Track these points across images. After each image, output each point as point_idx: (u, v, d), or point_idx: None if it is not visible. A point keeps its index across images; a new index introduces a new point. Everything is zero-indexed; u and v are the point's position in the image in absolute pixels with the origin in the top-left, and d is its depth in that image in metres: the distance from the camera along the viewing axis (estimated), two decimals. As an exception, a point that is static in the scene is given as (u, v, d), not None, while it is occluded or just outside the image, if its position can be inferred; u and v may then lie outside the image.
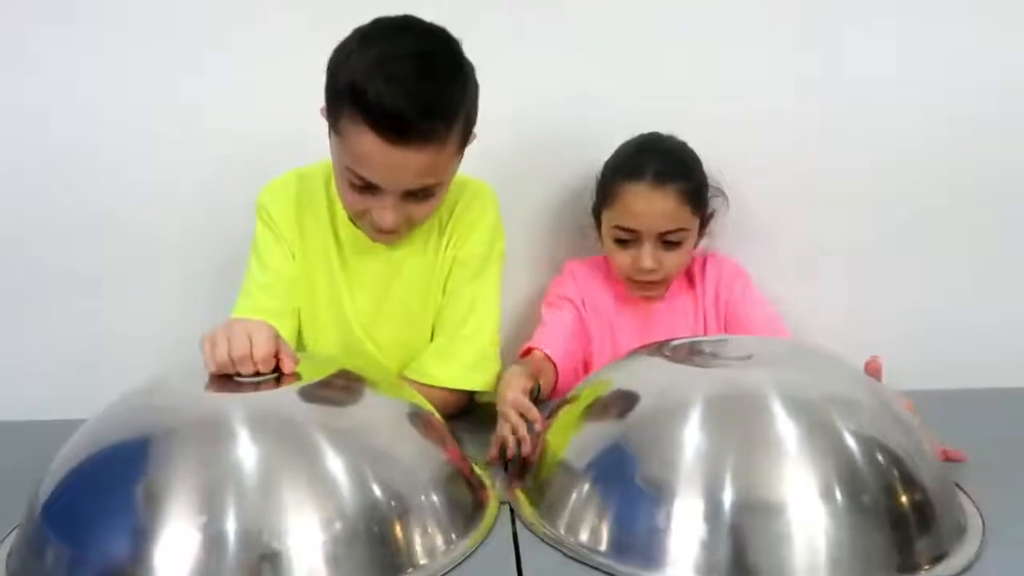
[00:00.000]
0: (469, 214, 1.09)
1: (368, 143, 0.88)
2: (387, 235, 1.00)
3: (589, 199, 1.23)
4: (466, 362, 1.05)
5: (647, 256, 1.13)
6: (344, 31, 0.92)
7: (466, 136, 0.96)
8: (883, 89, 1.27)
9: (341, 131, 0.91)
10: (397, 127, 0.86)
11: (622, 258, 1.16)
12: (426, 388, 1.01)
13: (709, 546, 0.66)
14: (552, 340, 1.14)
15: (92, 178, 1.25)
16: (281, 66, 1.19)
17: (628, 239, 1.15)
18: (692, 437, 0.71)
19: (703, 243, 1.24)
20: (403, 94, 0.86)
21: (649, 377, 0.81)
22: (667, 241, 1.13)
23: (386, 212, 0.94)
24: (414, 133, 0.87)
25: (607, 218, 1.17)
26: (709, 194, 1.19)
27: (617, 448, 0.73)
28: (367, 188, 0.93)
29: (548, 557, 0.70)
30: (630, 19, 1.24)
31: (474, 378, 1.05)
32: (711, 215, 1.21)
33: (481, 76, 0.96)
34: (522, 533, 0.74)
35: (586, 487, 0.73)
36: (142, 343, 1.28)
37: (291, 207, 1.07)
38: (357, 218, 1.01)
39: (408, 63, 0.87)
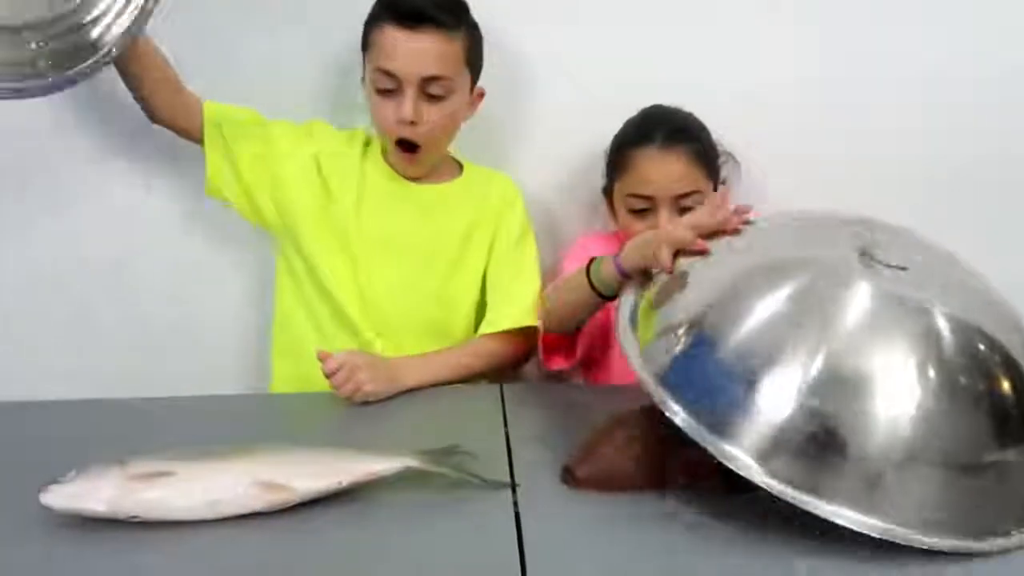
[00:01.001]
0: (504, 193, 1.23)
1: (390, 35, 1.09)
2: (410, 151, 1.14)
3: (599, 177, 1.24)
4: (518, 308, 1.16)
5: (665, 223, 1.11)
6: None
7: (472, 57, 1.14)
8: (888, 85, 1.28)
9: (370, 45, 1.12)
10: (413, 14, 1.08)
11: (639, 229, 1.13)
12: (490, 339, 1.15)
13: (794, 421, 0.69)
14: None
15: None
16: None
17: (643, 207, 1.15)
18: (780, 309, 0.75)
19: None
20: None
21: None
22: (683, 207, 1.13)
23: (405, 102, 1.10)
24: (427, 19, 1.08)
25: (619, 190, 1.18)
26: (720, 160, 1.19)
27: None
28: (390, 92, 1.11)
29: (550, 537, 0.70)
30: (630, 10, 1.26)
31: (525, 317, 1.16)
32: (724, 183, 1.20)
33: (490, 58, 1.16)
34: (525, 514, 0.74)
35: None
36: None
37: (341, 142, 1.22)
38: (386, 130, 1.14)
39: None
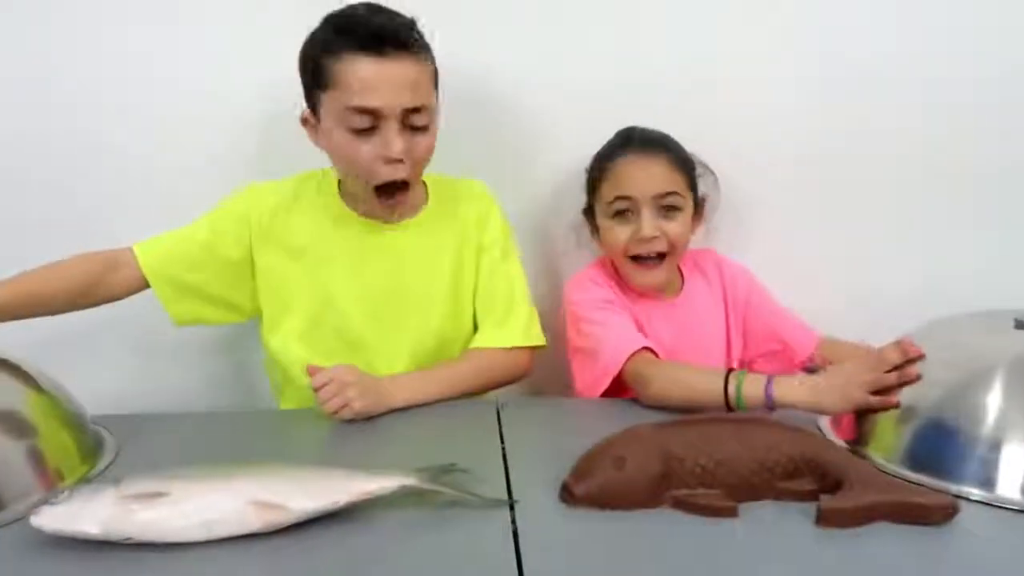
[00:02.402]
0: (478, 203, 1.19)
1: (360, 66, 0.98)
2: (397, 192, 1.07)
3: (578, 195, 1.24)
4: (522, 323, 1.16)
5: (647, 223, 1.13)
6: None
7: (437, 78, 1.07)
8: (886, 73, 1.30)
9: (332, 82, 1.00)
10: (379, 39, 0.98)
11: (621, 232, 1.15)
12: (493, 354, 1.14)
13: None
14: (640, 338, 1.10)
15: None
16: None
17: (625, 208, 1.15)
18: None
19: (703, 236, 1.25)
20: (377, 13, 1.01)
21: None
22: (665, 207, 1.14)
23: (391, 138, 1.01)
24: (396, 43, 0.99)
25: (601, 199, 1.18)
26: (698, 173, 1.20)
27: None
28: (368, 130, 1.01)
29: (549, 554, 0.70)
30: (620, 11, 1.27)
31: (533, 335, 1.17)
32: (703, 200, 1.21)
33: (459, 76, 1.12)
34: (524, 536, 0.74)
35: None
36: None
37: (278, 208, 1.14)
38: (368, 173, 1.05)
39: (366, 6, 1.03)
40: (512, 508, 0.78)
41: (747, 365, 1.27)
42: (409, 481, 0.78)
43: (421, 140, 1.04)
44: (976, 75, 1.30)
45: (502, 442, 0.95)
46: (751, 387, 0.95)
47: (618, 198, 1.15)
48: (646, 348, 1.08)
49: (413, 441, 0.97)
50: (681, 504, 0.77)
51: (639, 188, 1.14)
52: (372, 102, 0.99)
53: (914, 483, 0.80)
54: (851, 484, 0.76)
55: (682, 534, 0.73)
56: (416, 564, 0.69)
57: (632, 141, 1.18)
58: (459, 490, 0.78)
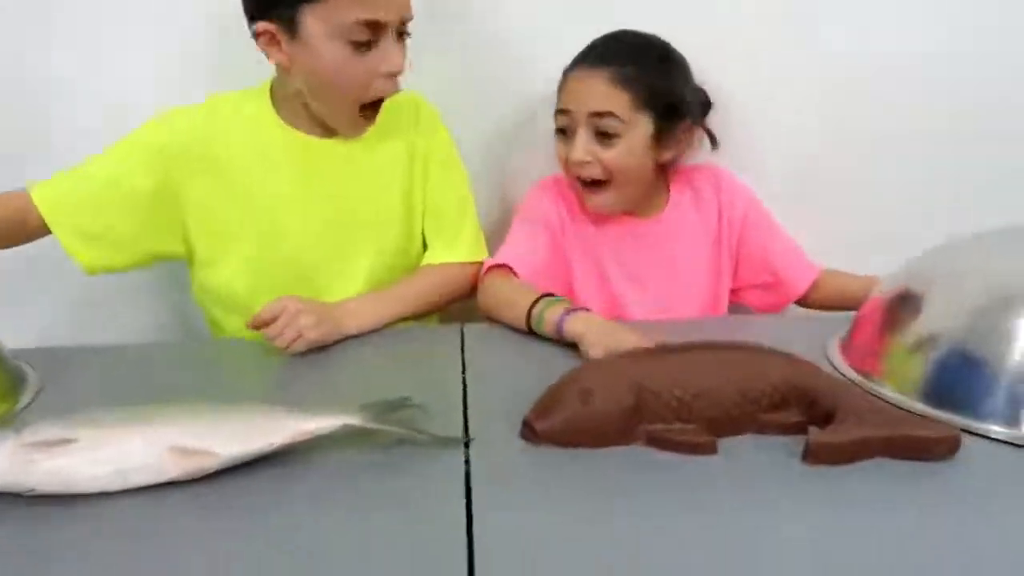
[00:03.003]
0: (420, 114, 1.10)
1: None
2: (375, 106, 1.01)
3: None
4: (472, 236, 1.12)
5: (578, 145, 1.04)
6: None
7: None
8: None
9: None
10: None
11: (560, 152, 1.08)
12: (447, 269, 1.09)
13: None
14: (523, 259, 1.05)
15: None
16: None
17: (564, 125, 1.06)
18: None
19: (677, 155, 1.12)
20: None
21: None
22: (601, 132, 1.03)
23: (393, 52, 0.96)
24: None
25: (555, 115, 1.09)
26: (688, 103, 1.07)
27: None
28: (366, 44, 0.95)
29: (502, 496, 0.63)
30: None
31: (481, 248, 1.12)
32: (686, 127, 1.08)
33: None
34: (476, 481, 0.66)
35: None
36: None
37: (203, 132, 1.02)
38: (361, 88, 0.98)
39: None
40: (467, 446, 0.70)
41: (738, 296, 1.18)
42: (352, 420, 0.70)
43: (404, 56, 0.99)
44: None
45: (464, 371, 0.87)
46: (553, 313, 0.90)
47: (559, 112, 1.06)
48: (506, 267, 1.04)
49: (367, 371, 0.89)
50: (654, 440, 0.69)
51: (575, 103, 1.04)
52: (379, 14, 0.93)
53: (925, 417, 0.73)
54: (843, 416, 0.68)
55: (655, 473, 0.66)
56: (356, 510, 0.62)
57: (593, 50, 1.06)
58: (408, 428, 0.70)
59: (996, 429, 0.72)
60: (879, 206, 1.24)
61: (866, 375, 0.85)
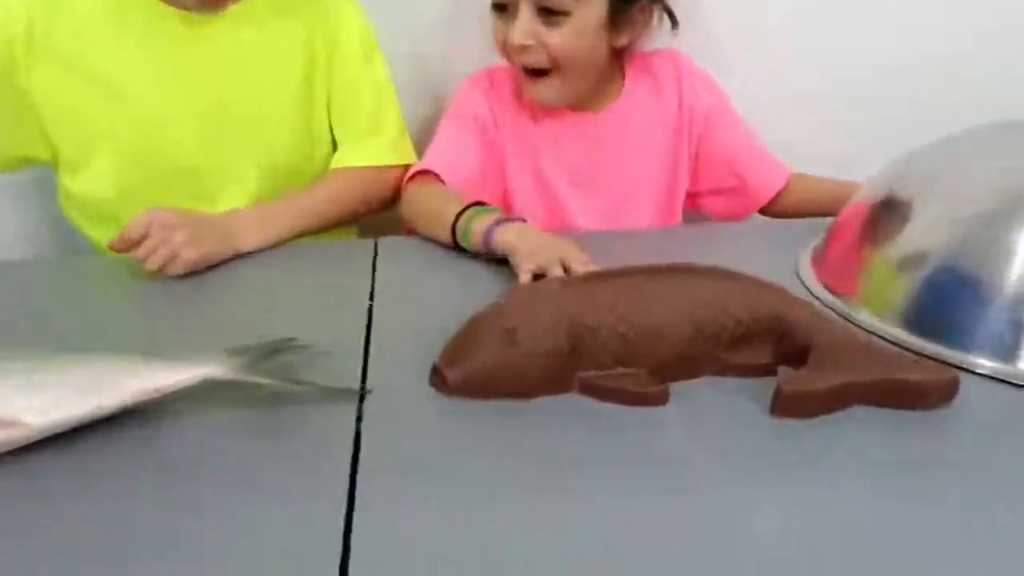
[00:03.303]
0: None
1: None
2: None
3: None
4: (392, 137, 0.96)
5: (518, 26, 0.87)
6: None
7: None
8: None
9: None
10: None
11: (498, 33, 0.91)
12: (358, 174, 0.93)
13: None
14: (451, 163, 0.90)
15: None
16: None
17: (504, 3, 0.88)
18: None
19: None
20: None
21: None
22: (546, 10, 0.86)
23: None
24: None
25: None
26: None
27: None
28: None
29: (394, 461, 0.50)
30: None
31: (404, 151, 0.97)
32: (643, 5, 0.91)
33: None
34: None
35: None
36: None
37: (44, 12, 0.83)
38: None
39: None
40: (362, 400, 0.57)
41: (696, 202, 1.04)
42: (217, 370, 0.56)
43: None
44: None
45: (371, 298, 0.72)
46: (480, 224, 0.77)
47: None
48: (432, 173, 0.89)
49: (256, 300, 0.75)
50: (592, 389, 0.56)
51: None
52: None
53: (907, 350, 0.61)
54: (819, 354, 0.56)
55: (592, 431, 0.54)
56: (211, 485, 0.49)
57: None
58: (285, 378, 0.57)
59: (990, 364, 0.61)
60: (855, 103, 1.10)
61: (841, 296, 0.73)
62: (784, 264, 0.79)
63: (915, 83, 1.10)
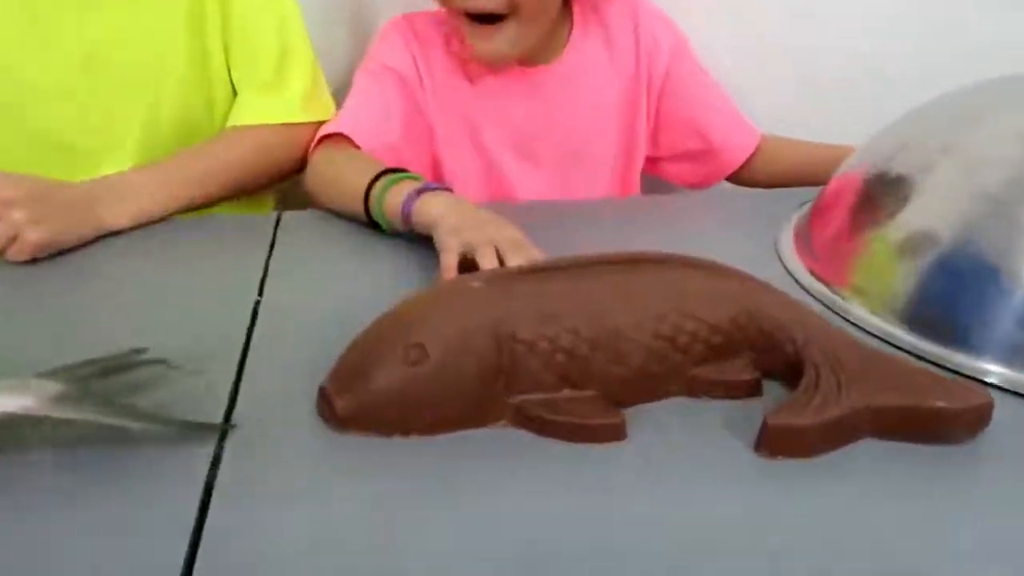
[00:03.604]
0: None
1: None
2: None
3: None
4: (303, 87, 0.79)
5: None
6: None
7: None
8: None
9: None
10: None
11: None
12: (260, 134, 0.77)
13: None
14: (367, 125, 0.75)
15: None
16: None
17: None
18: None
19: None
20: None
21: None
22: None
23: None
24: None
25: None
26: None
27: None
28: None
29: (250, 543, 0.37)
30: None
31: (319, 104, 0.80)
32: None
33: None
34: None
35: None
36: None
37: None
38: None
39: None
40: (223, 439, 0.43)
41: (656, 167, 0.91)
42: (29, 401, 0.41)
43: None
44: None
45: (260, 293, 0.58)
46: (397, 194, 0.63)
47: None
48: (345, 137, 0.74)
49: (116, 295, 0.60)
50: (528, 420, 0.43)
51: None
52: None
53: (908, 353, 0.50)
54: (817, 371, 0.44)
55: (528, 476, 0.41)
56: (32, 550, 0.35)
57: None
58: (120, 413, 0.42)
59: (1008, 374, 0.49)
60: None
61: (831, 286, 0.61)
62: (761, 244, 0.67)
63: (907, 31, 0.97)
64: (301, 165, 0.79)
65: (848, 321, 0.56)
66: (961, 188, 0.57)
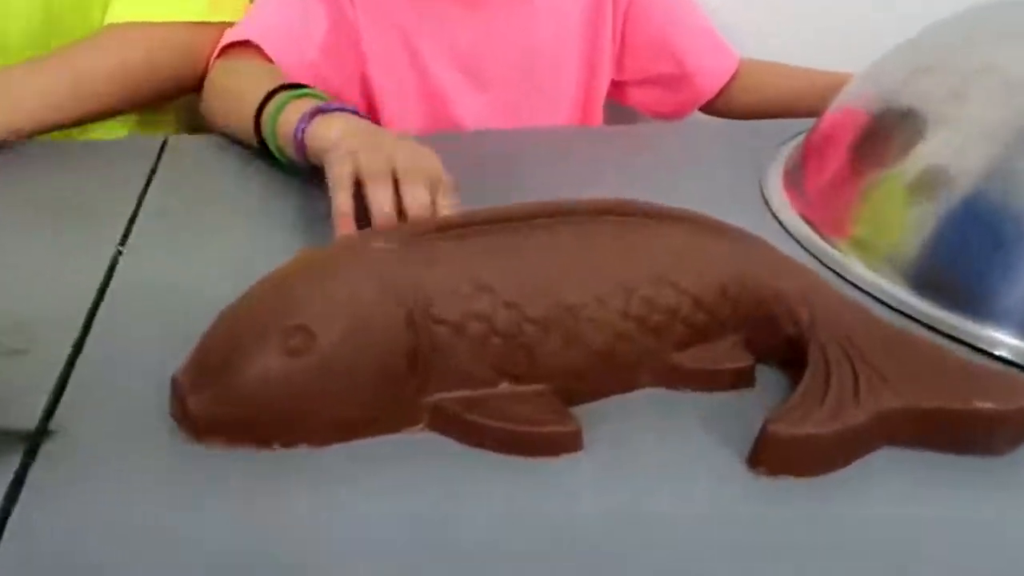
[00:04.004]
0: None
1: None
2: None
3: None
4: None
5: None
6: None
7: None
8: None
9: None
10: None
11: None
12: (149, 33, 0.62)
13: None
14: (278, 32, 0.62)
15: None
16: None
17: None
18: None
19: None
20: None
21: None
22: None
23: None
24: None
25: None
26: None
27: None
28: None
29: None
30: None
31: (222, 6, 0.65)
32: None
33: None
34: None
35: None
36: None
37: None
38: None
39: None
40: (32, 452, 0.31)
41: (621, 95, 0.79)
42: None
43: None
44: None
45: (123, 243, 0.46)
46: (292, 114, 0.50)
47: None
48: (252, 46, 0.61)
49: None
50: (451, 424, 0.33)
51: None
52: None
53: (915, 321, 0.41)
54: (825, 360, 0.34)
55: (450, 499, 0.31)
56: None
57: None
58: None
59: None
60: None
61: (829, 240, 0.51)
62: (744, 186, 0.57)
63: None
64: (196, 74, 0.65)
65: (845, 280, 0.47)
66: (995, 118, 0.47)
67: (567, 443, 0.32)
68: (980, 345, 0.41)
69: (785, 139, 0.61)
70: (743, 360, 0.36)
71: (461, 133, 0.69)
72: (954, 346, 0.39)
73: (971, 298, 0.43)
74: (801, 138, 0.60)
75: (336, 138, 0.46)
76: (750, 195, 0.55)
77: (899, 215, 0.49)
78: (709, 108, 0.79)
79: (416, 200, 0.39)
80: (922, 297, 0.45)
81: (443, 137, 0.62)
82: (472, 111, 0.72)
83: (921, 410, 0.33)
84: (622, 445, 0.33)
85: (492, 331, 0.32)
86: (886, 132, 0.51)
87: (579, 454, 0.32)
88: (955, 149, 0.47)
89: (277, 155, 0.52)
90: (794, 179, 0.57)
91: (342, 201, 0.41)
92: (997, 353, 0.40)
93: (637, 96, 0.80)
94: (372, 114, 0.70)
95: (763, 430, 0.32)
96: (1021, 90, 0.46)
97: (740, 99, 0.77)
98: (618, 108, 0.81)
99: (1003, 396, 0.33)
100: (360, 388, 0.31)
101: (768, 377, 0.37)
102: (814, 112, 0.59)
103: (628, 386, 0.35)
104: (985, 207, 0.45)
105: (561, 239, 0.34)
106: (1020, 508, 0.32)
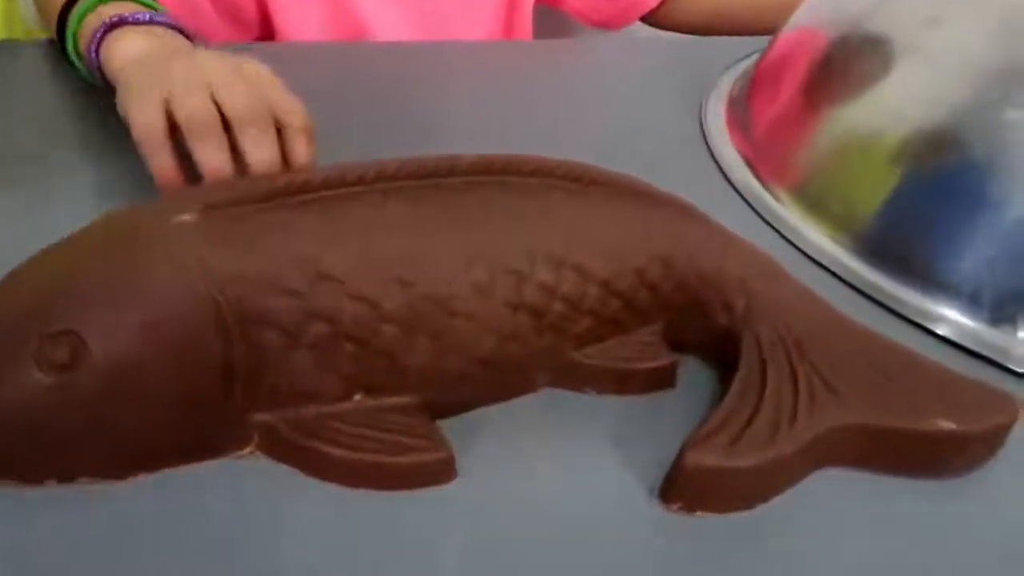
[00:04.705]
0: None
1: None
2: None
3: None
4: None
5: None
6: None
7: None
8: None
9: None
10: None
11: None
12: None
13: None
14: None
15: None
16: None
17: None
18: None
19: None
20: None
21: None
22: None
23: None
24: None
25: None
26: None
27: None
28: None
29: None
30: None
31: None
32: None
33: None
34: None
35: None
36: None
37: None
38: None
39: None
40: None
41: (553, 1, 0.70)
42: None
43: None
44: None
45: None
46: (91, 26, 0.39)
47: None
48: None
49: None
50: (284, 450, 0.25)
51: None
52: None
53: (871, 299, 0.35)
54: (761, 361, 0.28)
55: (285, 540, 0.24)
56: None
57: None
58: None
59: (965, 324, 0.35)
60: None
61: (770, 188, 0.44)
62: (682, 115, 0.49)
63: None
64: None
65: (781, 235, 0.41)
66: (976, 52, 0.40)
67: (436, 474, 0.25)
68: (923, 321, 0.35)
69: (734, 61, 0.53)
70: (661, 357, 0.29)
71: (368, 45, 0.59)
72: (896, 321, 0.34)
73: (923, 268, 0.37)
74: (751, 61, 0.52)
75: (134, 60, 0.35)
76: (687, 125, 0.48)
77: (857, 167, 0.42)
78: (652, 18, 0.70)
79: (260, 155, 0.30)
80: (868, 264, 0.39)
81: (346, 49, 0.52)
82: (380, 18, 0.61)
83: (872, 429, 0.27)
84: (505, 469, 0.26)
85: (337, 334, 0.25)
86: (845, 60, 0.44)
87: (450, 485, 0.26)
88: (924, 87, 0.40)
89: (88, 77, 0.41)
90: (738, 112, 0.49)
91: (161, 166, 0.31)
92: (939, 332, 0.34)
93: (569, 2, 0.70)
94: (264, 19, 0.59)
95: (679, 459, 0.25)
96: (1015, 21, 0.38)
97: (684, 10, 0.68)
98: (550, 14, 0.72)
99: (971, 414, 0.27)
100: (157, 409, 0.24)
101: (695, 374, 0.30)
102: (767, 31, 0.51)
103: (519, 391, 0.28)
104: (957, 162, 0.39)
105: (427, 209, 0.26)
106: (975, 533, 0.27)
